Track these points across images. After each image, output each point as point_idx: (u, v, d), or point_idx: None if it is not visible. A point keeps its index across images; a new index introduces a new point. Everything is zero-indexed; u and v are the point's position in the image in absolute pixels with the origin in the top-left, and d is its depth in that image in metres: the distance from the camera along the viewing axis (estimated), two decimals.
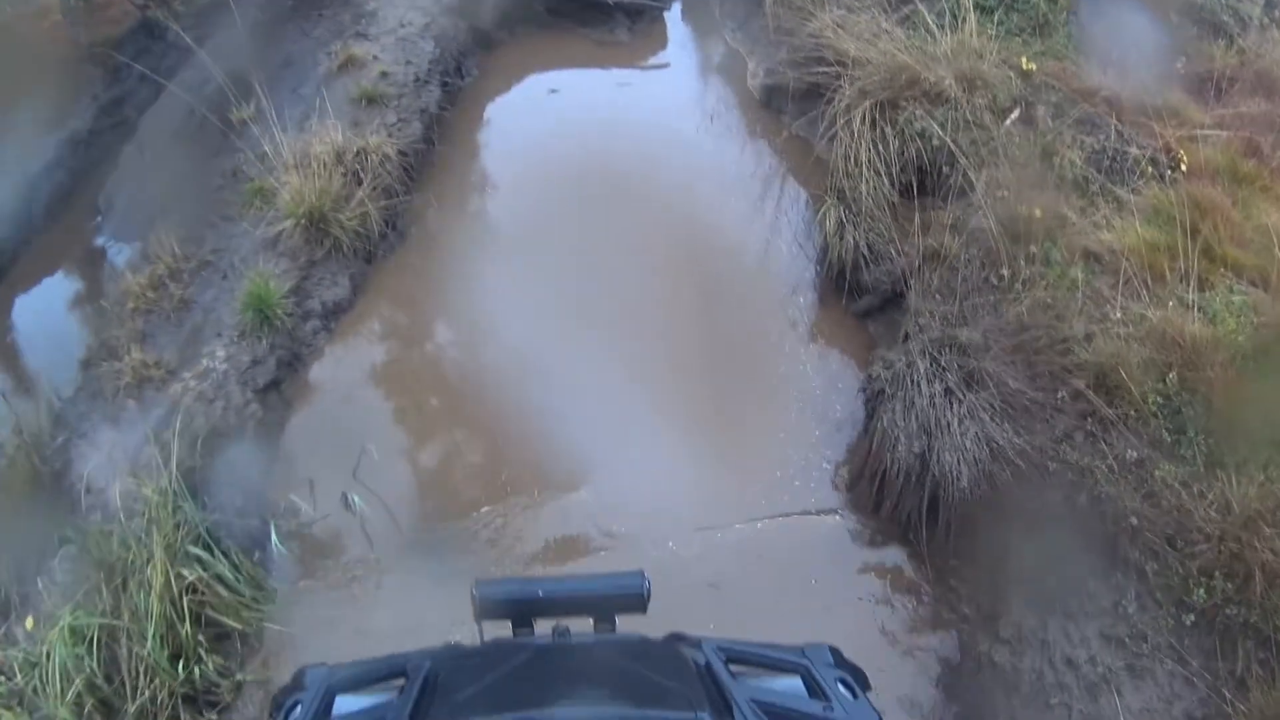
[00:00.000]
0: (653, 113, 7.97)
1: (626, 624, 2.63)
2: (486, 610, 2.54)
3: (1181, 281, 5.18)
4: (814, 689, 2.41)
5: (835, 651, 2.61)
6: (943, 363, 5.11)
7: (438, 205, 7.19)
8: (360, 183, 7.32)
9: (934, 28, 7.40)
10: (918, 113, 6.75)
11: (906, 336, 5.56)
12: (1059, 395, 4.91)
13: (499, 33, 9.81)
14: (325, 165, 7.33)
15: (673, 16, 10.07)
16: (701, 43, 9.67)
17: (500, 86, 9.06)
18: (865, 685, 2.54)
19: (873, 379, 5.52)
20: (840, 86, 7.19)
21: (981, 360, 5.03)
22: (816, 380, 5.94)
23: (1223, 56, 7.56)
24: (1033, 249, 5.57)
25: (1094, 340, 4.94)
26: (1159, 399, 4.71)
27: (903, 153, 6.74)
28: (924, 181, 6.47)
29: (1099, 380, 4.83)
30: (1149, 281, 5.20)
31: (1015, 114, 6.81)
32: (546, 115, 8.16)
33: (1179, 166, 6.28)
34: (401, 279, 6.73)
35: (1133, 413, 4.71)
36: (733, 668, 2.43)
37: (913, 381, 5.09)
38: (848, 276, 6.37)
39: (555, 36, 9.67)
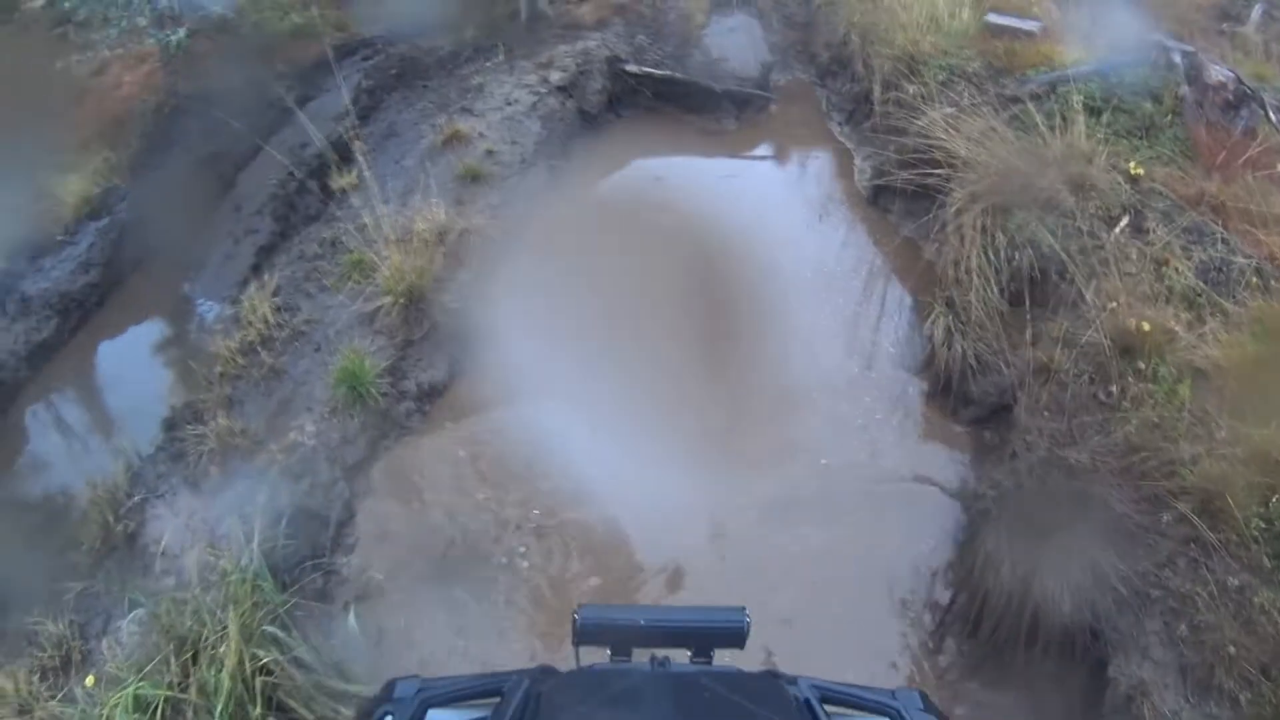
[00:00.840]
0: (758, 206, 7.83)
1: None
2: (587, 636, 2.50)
3: None
4: None
5: (925, 696, 2.60)
6: (1050, 485, 4.90)
7: (543, 291, 6.93)
8: (462, 264, 7.14)
9: (1043, 129, 7.23)
10: (1029, 219, 6.61)
11: (1014, 454, 5.39)
12: (1163, 519, 4.79)
13: (605, 115, 9.75)
14: (427, 243, 7.20)
15: (780, 107, 9.90)
16: (808, 135, 9.49)
17: (607, 170, 8.92)
18: None
19: (978, 497, 5.37)
20: (950, 189, 7.10)
21: (1089, 484, 4.91)
22: (920, 492, 5.66)
23: None
24: (1141, 365, 5.50)
25: (1199, 462, 4.82)
26: (1261, 523, 4.59)
27: (1012, 260, 6.60)
28: (1034, 291, 6.34)
29: (1203, 504, 4.71)
30: (1254, 399, 4.86)
31: (1125, 222, 6.67)
32: (651, 204, 7.93)
33: None
34: (500, 365, 6.46)
35: (1234, 537, 4.61)
36: (827, 708, 2.41)
37: (1019, 506, 4.89)
38: (954, 386, 6.26)
39: (661, 122, 9.61)
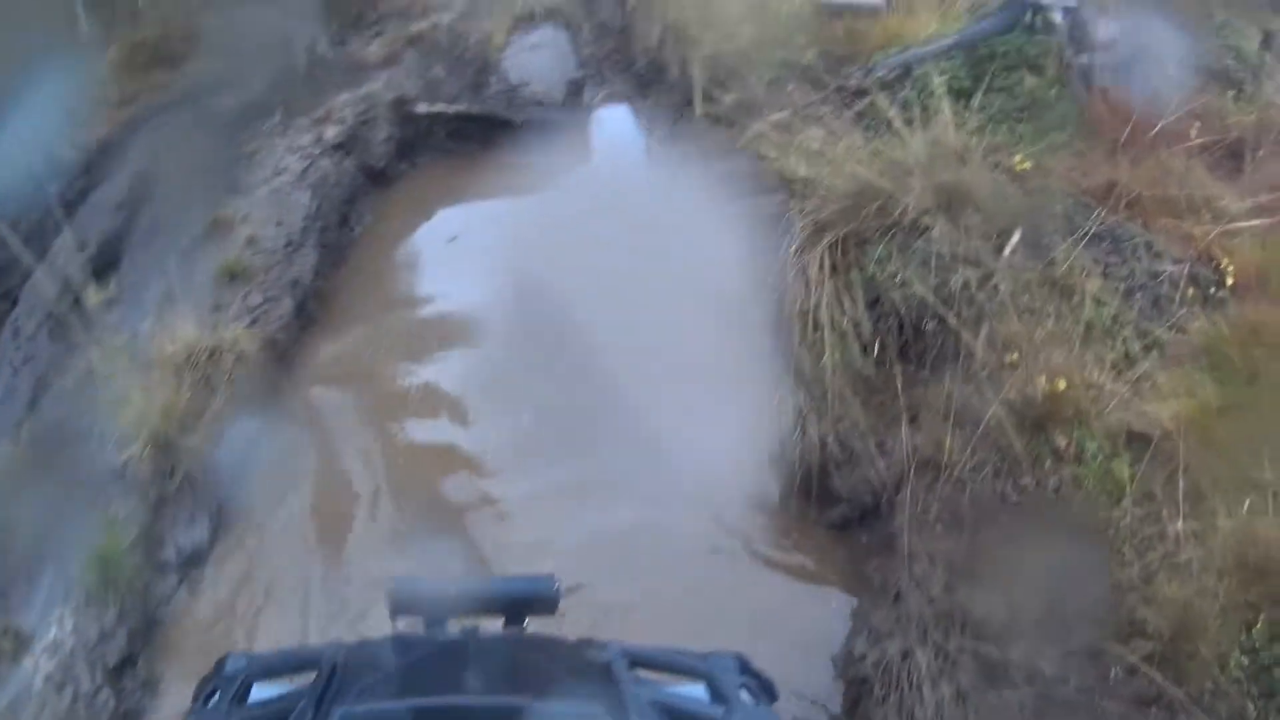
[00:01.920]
0: (566, 251, 6.56)
1: None
2: (400, 607, 2.55)
3: (1260, 461, 3.69)
4: (717, 695, 2.41)
5: (742, 659, 2.62)
6: (951, 650, 3.61)
7: (310, 413, 5.75)
8: (215, 393, 5.92)
9: (899, 125, 5.93)
10: (890, 251, 5.31)
11: (899, 595, 4.10)
12: (1110, 675, 3.56)
13: (395, 166, 8.53)
14: (177, 369, 5.98)
15: (593, 128, 8.77)
16: (621, 157, 8.33)
17: (390, 238, 7.72)
18: (773, 696, 2.55)
19: (854, 659, 4.07)
20: (788, 219, 5.75)
21: (1007, 648, 3.55)
22: (776, 626, 4.32)
23: (1238, 113, 6.13)
24: (1061, 440, 4.21)
25: (1153, 583, 3.61)
26: (1244, 659, 3.43)
27: (875, 306, 5.31)
28: (906, 345, 5.12)
29: (1163, 646, 3.50)
30: (1218, 468, 3.72)
31: (1016, 238, 5.31)
32: (446, 272, 6.87)
33: (1225, 281, 4.88)
34: (268, 515, 5.28)
35: (1209, 685, 3.41)
36: (639, 672, 2.42)
37: (910, 681, 3.55)
38: (814, 482, 4.94)
39: (460, 165, 8.39)
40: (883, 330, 5.29)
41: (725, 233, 6.45)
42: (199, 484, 5.66)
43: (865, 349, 5.27)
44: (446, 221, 7.44)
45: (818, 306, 5.35)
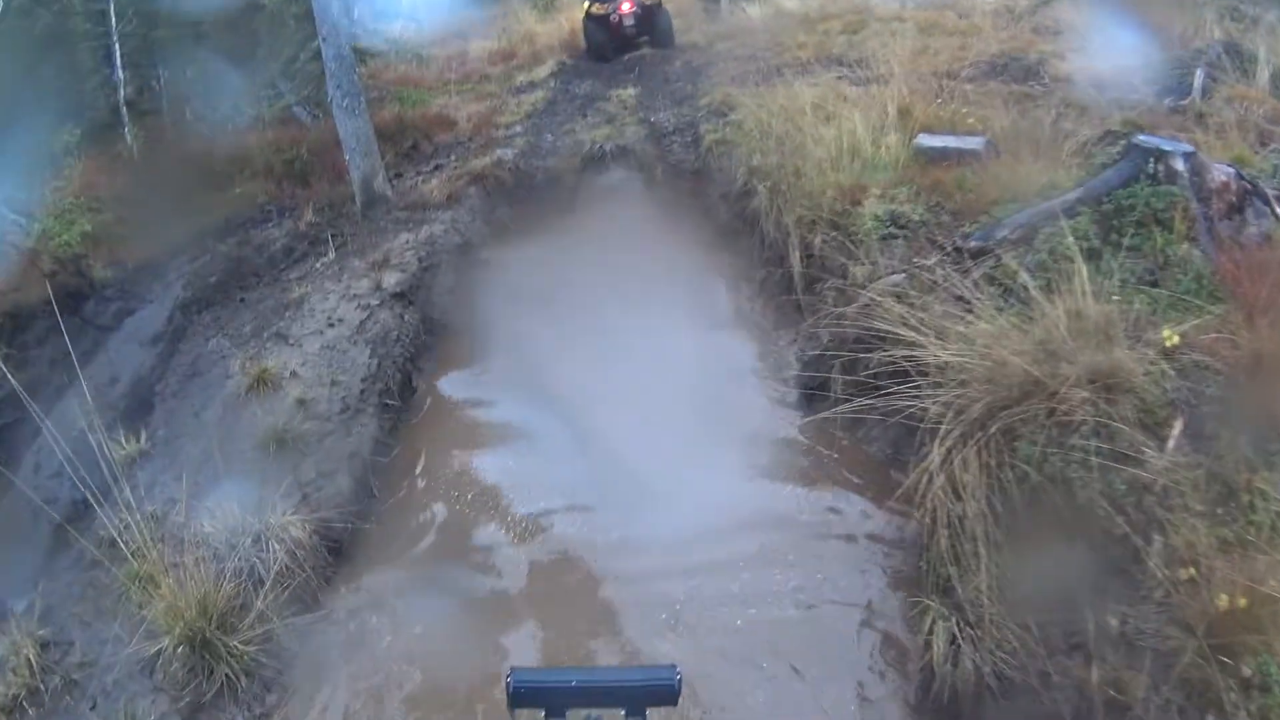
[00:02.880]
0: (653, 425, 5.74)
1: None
2: (521, 699, 2.42)
3: None
4: None
5: None
6: None
7: (377, 611, 4.89)
8: (260, 585, 5.07)
9: (1034, 293, 5.20)
10: (1044, 448, 4.51)
11: None
12: None
13: (460, 317, 7.79)
14: (216, 554, 5.16)
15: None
16: (711, 317, 7.59)
17: (463, 398, 6.89)
18: None
19: None
20: (921, 407, 5.01)
21: None
22: None
23: None
24: (1246, 668, 3.62)
25: None
26: None
27: (1033, 512, 4.47)
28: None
29: None
30: None
31: (1177, 428, 4.56)
32: (537, 438, 6.20)
33: None
34: None
35: None
36: None
37: None
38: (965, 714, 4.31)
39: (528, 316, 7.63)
40: (1043, 541, 4.46)
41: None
42: (242, 691, 4.83)
43: (1023, 564, 4.44)
44: (520, 394, 6.49)
45: (966, 515, 4.55)
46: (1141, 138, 6.06)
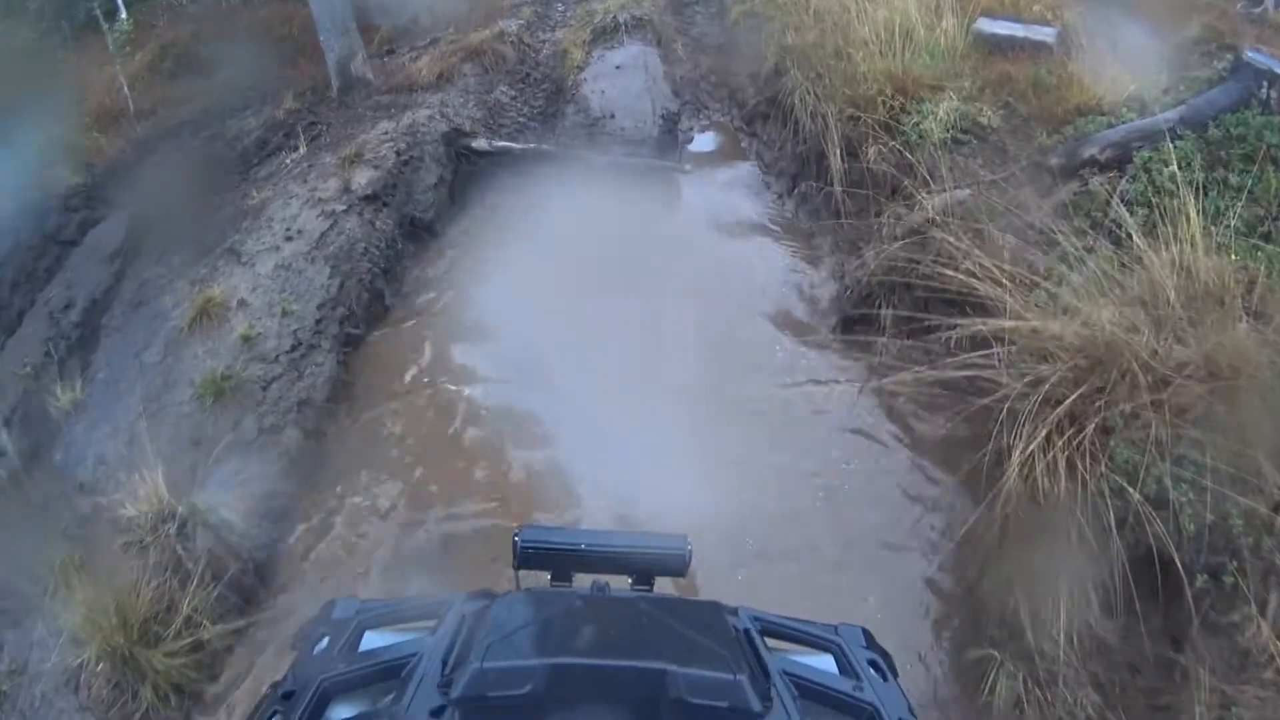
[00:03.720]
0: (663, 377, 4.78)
1: None
2: (528, 559, 2.44)
3: None
4: (845, 668, 2.35)
5: (868, 634, 2.55)
6: None
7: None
8: (187, 582, 4.28)
9: (1132, 231, 4.19)
10: (1145, 454, 3.52)
11: None
12: None
13: (450, 215, 6.77)
14: (140, 545, 4.37)
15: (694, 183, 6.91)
16: (734, 223, 6.46)
17: (443, 312, 5.99)
18: (894, 670, 2.44)
19: None
20: (989, 376, 4.02)
21: None
22: None
23: None
24: None
25: None
26: None
27: (1130, 531, 3.52)
28: (1164, 601, 3.50)
29: None
30: None
31: None
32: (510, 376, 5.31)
33: None
34: None
35: None
36: (767, 641, 2.33)
37: None
38: None
39: (525, 214, 6.55)
40: (1140, 570, 3.54)
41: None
42: (168, 709, 4.14)
43: (1110, 605, 3.56)
44: (507, 306, 5.46)
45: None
46: (1251, 55, 5.07)
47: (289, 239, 6.07)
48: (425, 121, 7.20)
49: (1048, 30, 6.11)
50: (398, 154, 6.82)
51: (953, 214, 4.90)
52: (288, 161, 7.14)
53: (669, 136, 7.17)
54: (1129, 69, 5.46)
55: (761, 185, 6.89)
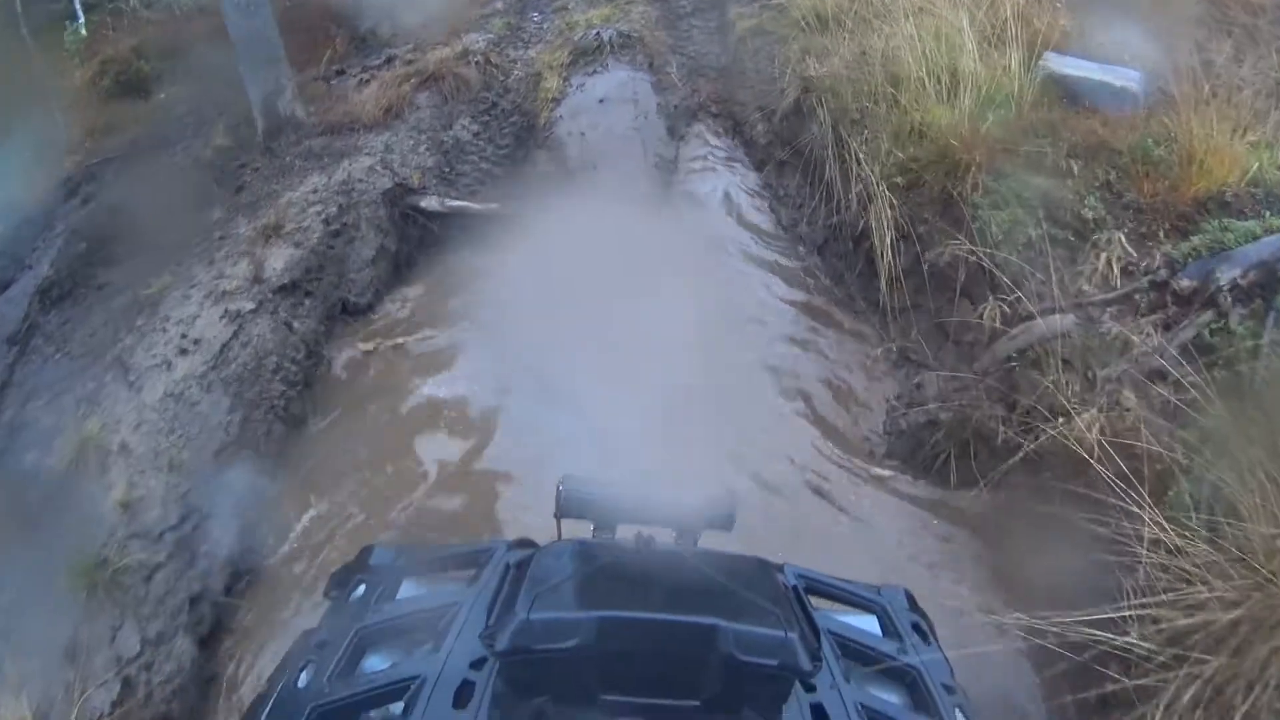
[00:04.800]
0: None
1: None
2: (571, 508, 2.33)
3: None
4: (888, 629, 2.35)
5: (910, 595, 2.53)
6: None
7: None
8: None
9: None
10: None
11: None
12: None
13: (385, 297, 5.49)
14: None
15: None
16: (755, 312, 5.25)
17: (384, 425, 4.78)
18: (934, 633, 2.43)
19: None
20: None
21: None
22: None
23: None
24: None
25: None
26: None
27: None
28: None
29: None
30: None
31: None
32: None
33: None
34: None
35: None
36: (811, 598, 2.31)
37: None
38: None
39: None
40: None
41: None
42: None
43: None
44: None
45: None
46: None
47: (183, 352, 4.77)
48: (364, 175, 5.89)
49: (1131, 74, 4.82)
50: (326, 223, 5.52)
51: (1049, 348, 3.60)
52: (199, 228, 5.82)
53: (662, 193, 5.83)
54: (1244, 138, 4.15)
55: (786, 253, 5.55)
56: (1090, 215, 4.11)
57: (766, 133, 6.09)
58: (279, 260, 5.22)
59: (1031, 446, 3.46)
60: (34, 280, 6.08)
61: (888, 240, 4.66)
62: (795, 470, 4.33)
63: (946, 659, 2.26)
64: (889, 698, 2.12)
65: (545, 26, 7.56)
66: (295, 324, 5.02)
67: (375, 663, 2.10)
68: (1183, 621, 2.68)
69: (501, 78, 7.04)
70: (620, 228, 5.38)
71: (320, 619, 2.31)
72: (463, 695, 1.91)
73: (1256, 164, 4.06)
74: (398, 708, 1.95)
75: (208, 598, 4.02)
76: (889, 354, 4.67)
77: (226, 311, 4.93)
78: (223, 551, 4.15)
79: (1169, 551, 2.81)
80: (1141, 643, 2.70)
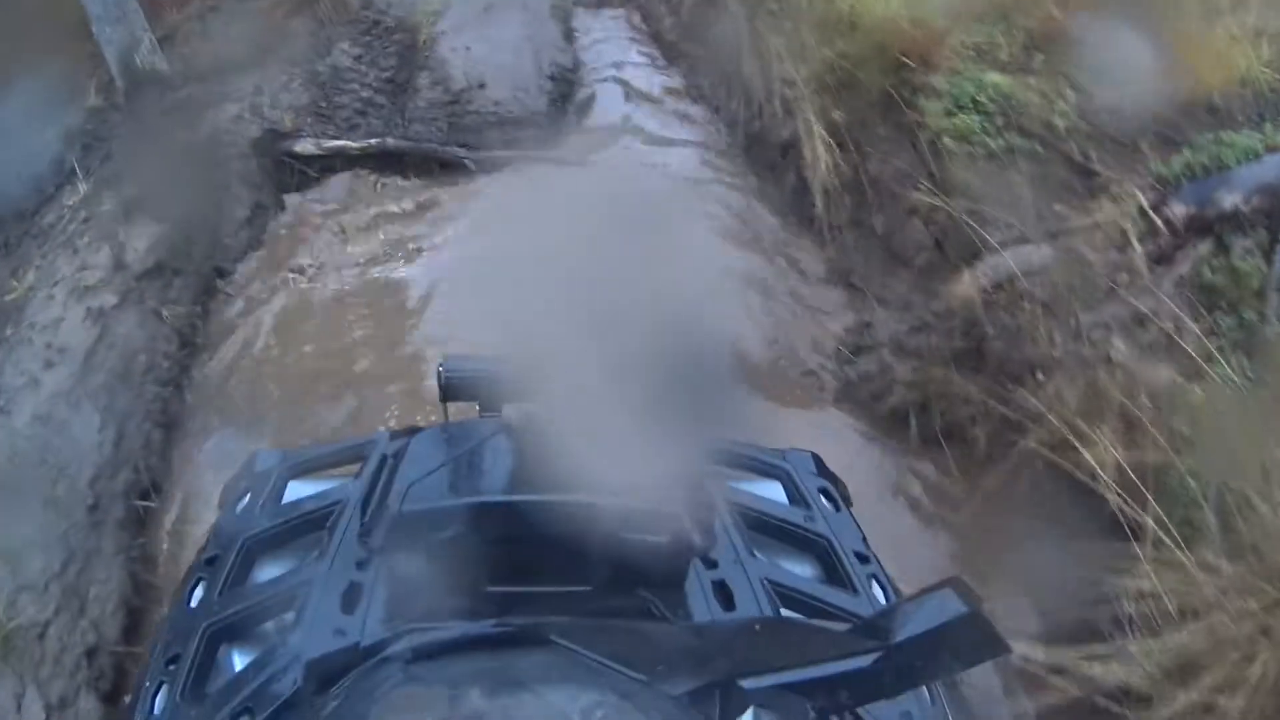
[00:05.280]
0: None
1: None
2: (453, 390, 2.24)
3: None
4: (794, 496, 2.23)
5: (818, 459, 2.39)
6: None
7: None
8: None
9: None
10: None
11: None
12: None
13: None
14: None
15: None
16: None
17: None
18: (847, 499, 2.29)
19: None
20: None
21: None
22: None
23: None
24: None
25: None
26: None
27: None
28: None
29: None
30: None
31: None
32: None
33: None
34: None
35: None
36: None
37: None
38: None
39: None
40: None
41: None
42: None
43: None
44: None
45: None
46: None
47: (49, 365, 4.28)
48: (231, 125, 5.29)
49: None
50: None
51: (1022, 288, 3.15)
52: (66, 208, 5.29)
53: (560, 106, 5.24)
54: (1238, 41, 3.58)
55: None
56: (1061, 124, 3.56)
57: (674, 27, 5.44)
58: (141, 240, 4.70)
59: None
60: None
61: (819, 150, 4.13)
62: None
63: (858, 525, 2.15)
64: (799, 570, 2.04)
65: None
66: (165, 311, 4.54)
67: (268, 571, 2.04)
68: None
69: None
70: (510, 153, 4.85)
71: (208, 534, 2.24)
72: (350, 598, 1.84)
73: (1245, 63, 3.50)
74: (290, 616, 1.88)
75: (104, 647, 3.69)
76: (832, 278, 4.20)
77: (89, 310, 4.42)
78: (112, 593, 3.81)
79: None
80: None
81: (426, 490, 1.86)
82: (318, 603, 1.85)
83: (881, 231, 4.05)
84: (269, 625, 1.94)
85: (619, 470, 1.77)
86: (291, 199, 5.10)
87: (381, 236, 4.80)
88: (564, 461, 1.80)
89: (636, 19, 5.72)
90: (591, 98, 5.37)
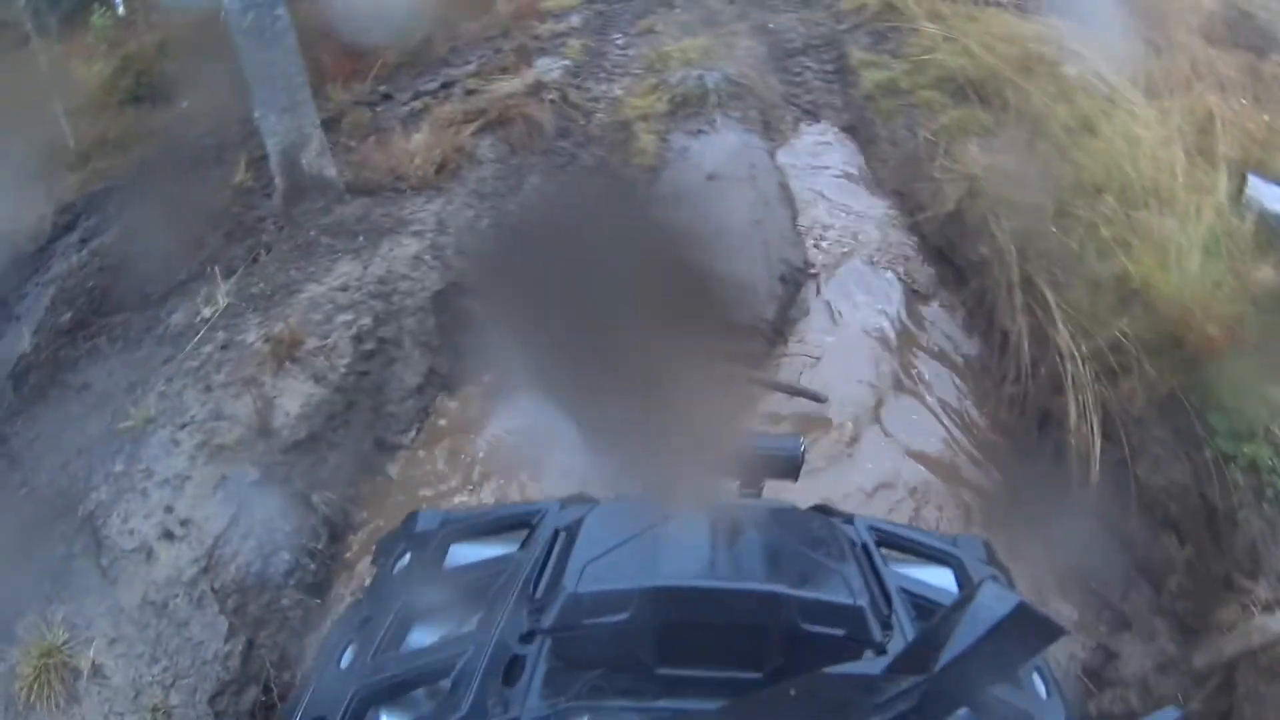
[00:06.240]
0: None
1: None
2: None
3: None
4: (965, 585, 2.18)
5: (988, 546, 2.39)
6: None
7: None
8: None
9: None
10: None
11: None
12: None
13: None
14: None
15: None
16: None
17: None
18: (1012, 586, 2.27)
19: None
20: None
21: None
22: None
23: None
24: None
25: None
26: None
27: None
28: None
29: None
30: None
31: None
32: None
33: None
34: None
35: None
36: (883, 551, 2.20)
37: None
38: None
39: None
40: None
41: None
42: None
43: None
44: None
45: None
46: None
47: (168, 536, 3.68)
48: (409, 268, 4.69)
49: None
50: (358, 340, 4.35)
51: None
52: (196, 321, 4.68)
53: (785, 313, 4.57)
54: None
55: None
56: None
57: (912, 233, 4.79)
58: (294, 400, 4.09)
59: None
60: (13, 346, 5.06)
61: (1090, 438, 3.46)
62: None
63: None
64: None
65: (631, 53, 6.28)
66: (315, 496, 3.88)
67: (422, 637, 2.01)
68: None
69: (582, 121, 5.81)
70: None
71: (363, 593, 2.21)
72: (513, 671, 1.81)
73: None
74: (446, 684, 1.85)
75: None
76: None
77: (223, 479, 3.81)
78: None
79: None
80: None
81: (603, 571, 1.78)
82: (479, 673, 1.80)
83: (1141, 548, 3.38)
84: (421, 691, 1.89)
85: (803, 561, 1.80)
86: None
87: None
88: (745, 545, 1.84)
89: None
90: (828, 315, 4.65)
